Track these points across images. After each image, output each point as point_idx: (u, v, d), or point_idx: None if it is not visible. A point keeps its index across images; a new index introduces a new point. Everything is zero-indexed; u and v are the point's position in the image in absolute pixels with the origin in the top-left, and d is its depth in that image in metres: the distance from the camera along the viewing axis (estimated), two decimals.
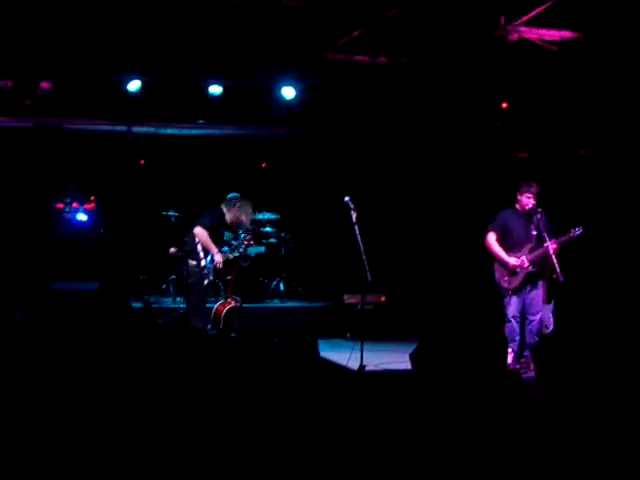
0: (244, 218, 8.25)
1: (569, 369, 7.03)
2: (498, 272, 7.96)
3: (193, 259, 8.02)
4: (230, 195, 11.20)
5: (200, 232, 8.00)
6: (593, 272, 9.38)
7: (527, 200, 7.85)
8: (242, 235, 9.89)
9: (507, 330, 7.85)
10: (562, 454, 4.47)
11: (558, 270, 7.58)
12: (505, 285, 7.88)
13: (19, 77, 9.26)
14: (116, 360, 4.75)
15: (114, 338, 5.68)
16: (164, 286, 10.37)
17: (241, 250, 8.95)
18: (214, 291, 10.23)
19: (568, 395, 5.94)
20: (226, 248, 10.07)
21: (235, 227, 8.39)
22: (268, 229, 11.33)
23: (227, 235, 10.73)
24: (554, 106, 9.71)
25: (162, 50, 9.12)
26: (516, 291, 7.82)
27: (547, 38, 8.44)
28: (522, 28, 8.27)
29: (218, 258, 7.99)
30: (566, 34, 8.37)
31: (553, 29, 8.32)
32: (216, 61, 9.51)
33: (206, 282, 8.01)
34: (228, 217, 8.23)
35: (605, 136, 9.37)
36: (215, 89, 9.95)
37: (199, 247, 7.99)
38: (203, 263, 7.95)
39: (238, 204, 8.25)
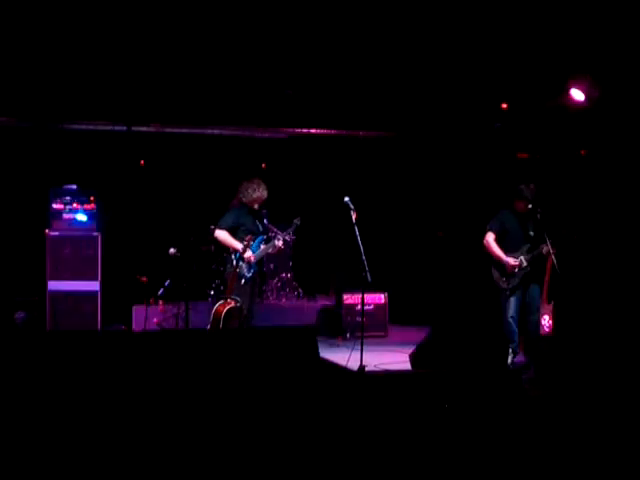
0: (263, 192, 8.00)
1: (569, 369, 7.04)
2: (496, 272, 7.98)
3: (227, 261, 7.92)
4: None
5: (218, 234, 7.85)
6: (593, 272, 9.38)
7: (523, 205, 7.87)
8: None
9: (506, 330, 7.85)
10: (561, 453, 4.47)
11: (556, 265, 7.59)
12: (503, 285, 7.91)
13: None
14: (116, 360, 4.75)
15: (114, 338, 5.68)
16: (161, 290, 10.31)
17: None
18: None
19: (567, 395, 5.94)
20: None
21: (261, 206, 8.07)
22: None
23: None
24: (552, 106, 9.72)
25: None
26: (514, 291, 7.85)
27: None
28: None
29: (246, 254, 7.73)
30: None
31: None
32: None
33: (243, 281, 7.73)
34: (251, 202, 7.98)
35: (605, 136, 9.38)
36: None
37: (225, 248, 7.86)
38: (234, 263, 7.76)
39: (248, 187, 7.98)
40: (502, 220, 8.04)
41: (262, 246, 7.97)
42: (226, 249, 8.00)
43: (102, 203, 10.02)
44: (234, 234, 7.88)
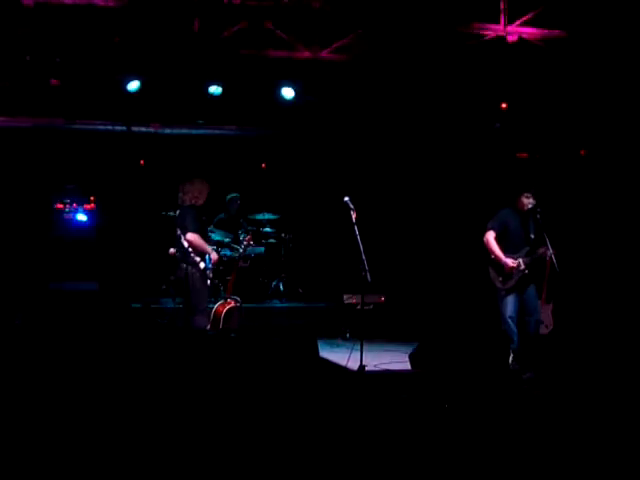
0: (208, 188, 8.16)
1: (568, 369, 7.04)
2: (492, 271, 7.93)
3: (189, 263, 7.88)
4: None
5: (192, 237, 7.83)
6: (592, 272, 9.39)
7: (526, 200, 7.85)
8: (242, 235, 9.92)
9: (505, 331, 7.84)
10: (561, 453, 4.47)
11: (556, 266, 7.59)
12: (499, 285, 7.85)
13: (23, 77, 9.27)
14: (117, 359, 4.75)
15: (114, 338, 5.68)
16: (164, 287, 10.36)
17: (241, 250, 8.96)
18: (215, 291, 10.20)
19: (567, 395, 5.94)
20: (226, 250, 10.05)
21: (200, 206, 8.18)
22: (268, 229, 11.35)
23: (225, 235, 10.74)
24: (552, 106, 9.72)
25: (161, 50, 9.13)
26: (510, 291, 7.80)
27: (539, 38, 8.48)
28: (518, 29, 8.30)
29: (215, 256, 7.98)
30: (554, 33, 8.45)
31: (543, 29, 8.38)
32: (215, 61, 9.51)
33: (209, 282, 7.87)
34: (203, 201, 8.11)
35: (605, 136, 9.38)
36: (214, 89, 9.95)
37: (191, 250, 7.82)
38: (202, 265, 7.78)
39: (201, 189, 8.08)
40: (504, 219, 7.97)
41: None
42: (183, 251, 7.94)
43: (102, 203, 10.02)
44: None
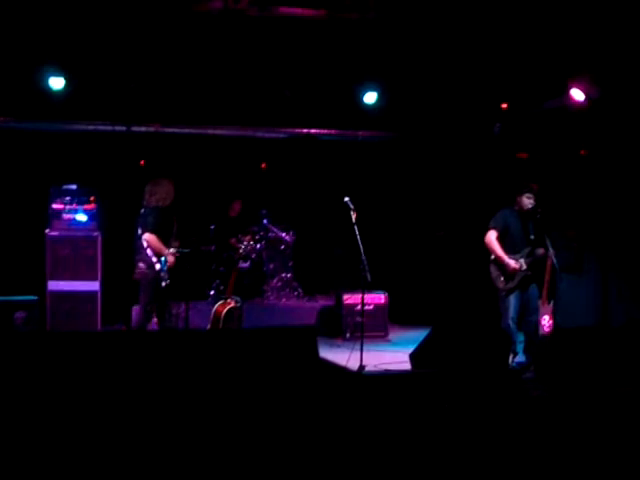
0: (173, 189, 8.11)
1: (569, 369, 7.03)
2: (494, 271, 7.93)
3: (144, 262, 7.86)
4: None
5: (150, 238, 7.79)
6: (593, 272, 9.38)
7: (527, 200, 7.85)
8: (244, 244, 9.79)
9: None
10: (561, 453, 4.47)
11: (556, 265, 7.59)
12: (500, 285, 7.86)
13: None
14: (115, 359, 4.75)
15: (115, 337, 5.67)
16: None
17: (241, 250, 8.96)
18: (216, 291, 10.17)
19: (567, 395, 5.94)
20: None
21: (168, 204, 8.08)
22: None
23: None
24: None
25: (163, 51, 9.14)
26: (511, 292, 7.80)
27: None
28: None
29: (171, 259, 7.84)
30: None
31: None
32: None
33: (164, 284, 7.72)
34: (170, 202, 8.05)
35: (605, 136, 9.38)
36: None
37: (149, 251, 7.79)
38: (158, 267, 7.72)
39: (169, 189, 8.04)
40: (505, 219, 7.96)
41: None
42: (142, 251, 7.91)
43: (102, 203, 10.01)
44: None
